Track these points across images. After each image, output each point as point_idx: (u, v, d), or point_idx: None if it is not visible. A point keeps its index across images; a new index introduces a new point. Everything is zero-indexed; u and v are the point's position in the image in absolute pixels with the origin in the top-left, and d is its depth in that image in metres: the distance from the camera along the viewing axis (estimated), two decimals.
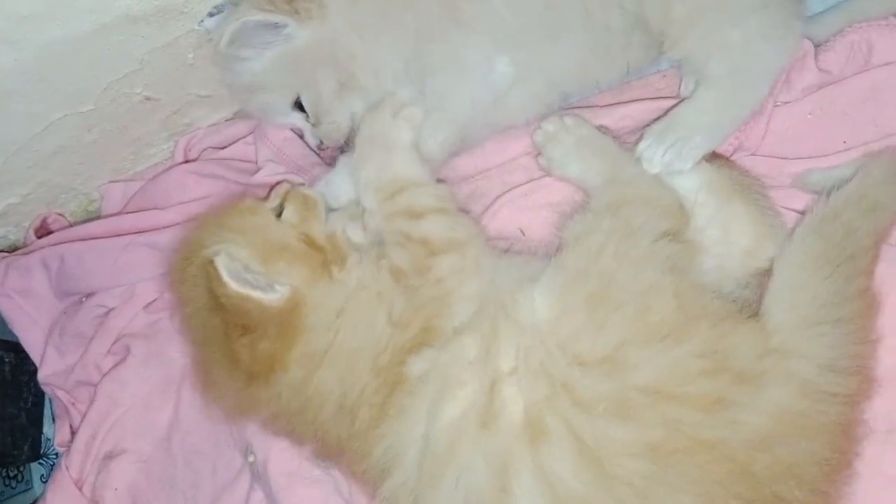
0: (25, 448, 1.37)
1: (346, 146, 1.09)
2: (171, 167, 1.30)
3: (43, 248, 1.29)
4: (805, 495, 0.73)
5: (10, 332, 1.32)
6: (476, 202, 1.09)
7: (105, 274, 1.24)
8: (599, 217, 0.88)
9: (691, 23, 0.93)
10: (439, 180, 0.99)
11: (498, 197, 1.08)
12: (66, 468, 1.20)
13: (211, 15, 1.06)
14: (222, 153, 1.28)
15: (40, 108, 1.11)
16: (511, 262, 0.93)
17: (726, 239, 0.91)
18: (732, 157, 1.00)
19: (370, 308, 0.88)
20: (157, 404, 1.22)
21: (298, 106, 1.07)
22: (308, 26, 0.99)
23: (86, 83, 1.09)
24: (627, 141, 1.02)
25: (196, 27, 1.07)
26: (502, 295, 0.86)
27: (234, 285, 0.83)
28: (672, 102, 1.02)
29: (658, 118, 0.98)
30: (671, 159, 0.92)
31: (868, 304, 0.82)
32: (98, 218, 1.32)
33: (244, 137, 1.28)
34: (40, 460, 1.42)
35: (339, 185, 1.02)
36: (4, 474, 1.39)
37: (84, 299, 1.27)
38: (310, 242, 0.91)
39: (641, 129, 1.03)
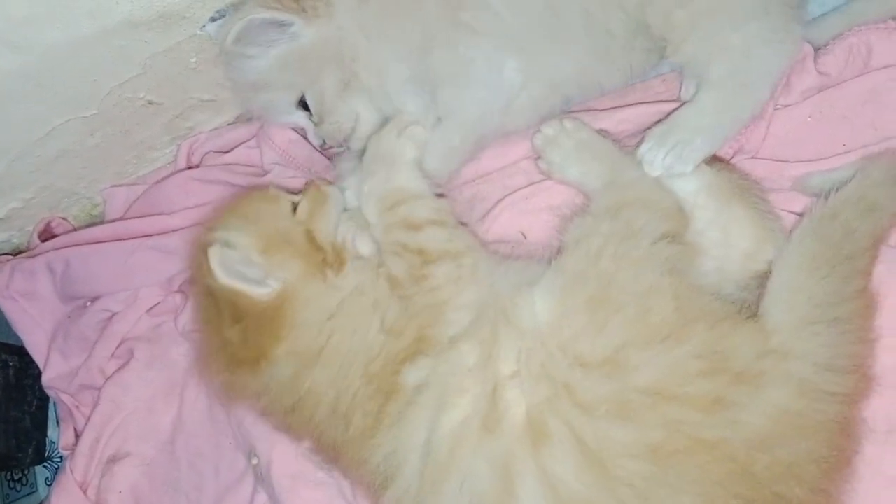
0: (30, 451, 1.38)
1: (347, 146, 1.10)
2: (173, 173, 1.30)
3: (48, 251, 1.29)
4: (805, 494, 0.73)
5: (15, 336, 1.33)
6: (477, 206, 1.09)
7: (111, 278, 1.24)
8: (599, 220, 0.88)
9: (692, 27, 0.93)
10: (439, 195, 0.99)
11: (499, 201, 1.08)
12: (71, 471, 1.20)
13: (213, 20, 1.06)
14: (225, 158, 1.28)
15: (43, 113, 1.11)
16: (511, 265, 0.93)
17: (726, 242, 0.91)
18: (732, 160, 1.00)
19: (365, 314, 0.89)
20: (160, 408, 1.22)
21: (303, 105, 1.07)
22: (314, 25, 0.99)
23: (88, 87, 1.10)
24: (627, 144, 1.02)
25: (198, 32, 1.08)
26: (502, 299, 0.87)
27: (223, 277, 0.86)
28: (672, 106, 1.03)
29: (658, 121, 0.99)
30: (672, 162, 0.92)
31: (866, 304, 0.82)
32: (103, 223, 1.33)
33: (247, 141, 1.28)
34: (45, 463, 1.42)
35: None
36: (9, 477, 1.40)
37: (89, 304, 1.28)
38: (311, 240, 0.92)
39: (641, 133, 1.03)
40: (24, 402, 1.37)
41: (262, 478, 1.09)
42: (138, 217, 1.28)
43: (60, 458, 1.37)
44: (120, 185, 1.34)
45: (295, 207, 0.96)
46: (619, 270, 0.82)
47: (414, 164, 0.98)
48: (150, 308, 1.25)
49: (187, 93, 1.21)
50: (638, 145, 0.96)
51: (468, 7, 0.96)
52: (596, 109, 1.09)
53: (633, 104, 1.08)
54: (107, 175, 1.32)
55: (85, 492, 1.20)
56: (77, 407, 1.27)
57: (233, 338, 0.89)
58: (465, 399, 0.81)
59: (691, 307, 0.80)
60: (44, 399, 1.40)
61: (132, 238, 1.24)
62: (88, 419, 1.23)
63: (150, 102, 1.18)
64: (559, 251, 0.90)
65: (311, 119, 1.09)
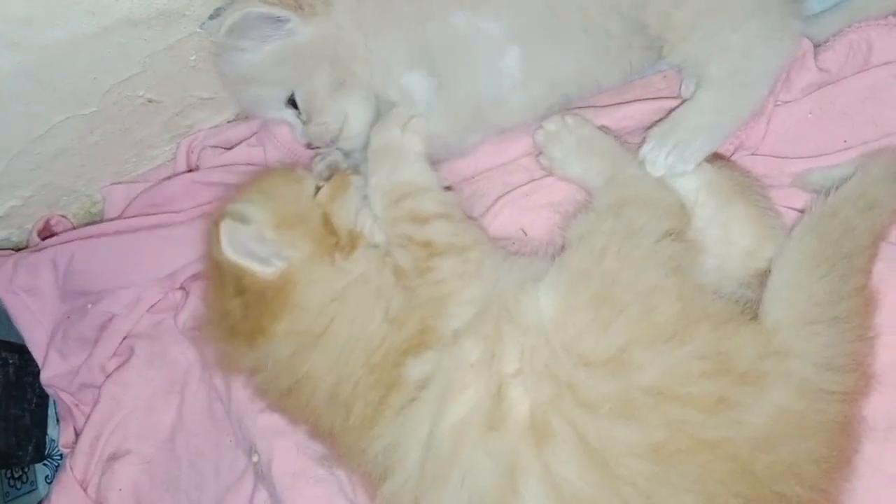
0: (30, 449, 1.38)
1: (334, 147, 1.09)
2: (175, 176, 1.30)
3: (54, 245, 1.29)
4: (806, 493, 0.73)
5: (15, 334, 1.33)
6: (477, 203, 1.09)
7: (114, 270, 1.24)
8: (602, 218, 0.88)
9: (690, 27, 0.93)
10: (447, 188, 1.00)
11: (499, 197, 1.08)
12: (71, 469, 1.20)
13: (212, 18, 1.06)
14: (225, 158, 1.28)
15: (42, 111, 1.11)
16: (513, 263, 0.93)
17: (726, 239, 0.91)
18: (733, 157, 1.00)
19: (369, 302, 0.89)
20: (160, 406, 1.22)
21: (292, 102, 1.07)
22: (311, 23, 0.99)
23: (87, 86, 1.10)
24: (629, 141, 1.02)
25: (198, 30, 1.07)
26: (505, 297, 0.87)
27: (229, 252, 0.87)
28: (673, 103, 1.03)
29: (659, 119, 0.99)
30: (674, 161, 0.92)
31: (865, 302, 0.82)
32: (102, 220, 1.33)
33: (247, 139, 1.28)
34: (45, 461, 1.42)
35: None
36: (9, 475, 1.40)
37: (90, 306, 1.27)
38: (327, 224, 0.92)
39: (643, 129, 1.03)
40: (24, 400, 1.37)
41: (262, 475, 1.09)
42: (142, 215, 1.27)
43: (60, 455, 1.37)
44: (119, 183, 1.34)
45: (317, 191, 0.96)
46: (623, 269, 0.82)
47: (421, 157, 0.98)
48: (151, 306, 1.25)
49: (187, 91, 1.21)
50: (640, 145, 0.96)
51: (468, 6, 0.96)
52: (597, 106, 1.09)
53: (634, 101, 1.08)
54: (106, 173, 1.32)
55: (85, 490, 1.20)
56: (77, 405, 1.27)
57: (233, 310, 0.90)
58: (467, 395, 0.81)
59: (695, 307, 0.80)
60: (43, 397, 1.40)
61: (136, 231, 1.25)
62: (89, 417, 1.23)
63: (150, 100, 1.18)
64: (562, 248, 0.90)
65: (299, 117, 1.08)
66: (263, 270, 0.88)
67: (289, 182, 0.97)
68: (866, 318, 0.82)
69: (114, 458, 1.21)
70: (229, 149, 1.29)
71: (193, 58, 1.13)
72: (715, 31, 0.93)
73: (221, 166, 1.27)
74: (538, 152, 1.05)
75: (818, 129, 1.00)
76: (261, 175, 1.00)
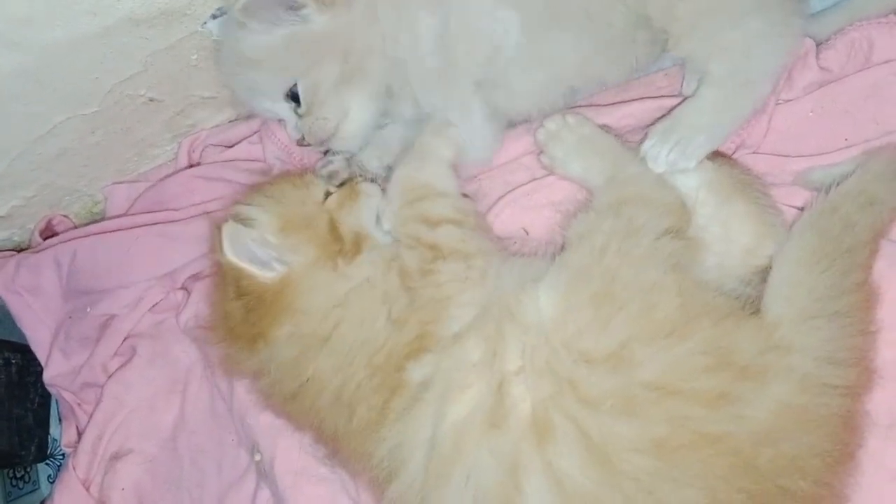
0: (32, 449, 1.38)
1: (327, 146, 1.08)
2: (176, 171, 1.30)
3: (55, 245, 1.29)
4: (809, 487, 0.74)
5: (17, 334, 1.33)
6: (479, 202, 1.09)
7: (116, 268, 1.24)
8: (602, 216, 0.88)
9: (693, 22, 0.93)
10: (465, 195, 1.00)
11: (500, 197, 1.08)
12: (74, 469, 1.21)
13: (214, 17, 1.06)
14: (227, 153, 1.28)
15: (43, 111, 1.11)
16: (514, 262, 0.93)
17: (727, 237, 0.91)
18: (734, 155, 1.00)
19: (374, 305, 0.89)
20: (162, 405, 1.23)
21: (290, 96, 1.03)
22: (328, 13, 0.97)
23: (89, 85, 1.10)
24: (630, 140, 1.02)
25: (199, 29, 1.08)
26: (506, 296, 0.87)
27: (230, 255, 0.88)
28: (675, 101, 1.03)
29: (661, 117, 0.99)
30: (675, 158, 0.93)
31: (865, 297, 0.83)
32: (104, 220, 1.33)
33: (248, 138, 1.28)
34: (47, 461, 1.43)
35: None
36: (12, 475, 1.40)
37: (90, 309, 1.27)
38: (333, 230, 0.93)
39: (644, 128, 1.03)
40: (27, 400, 1.38)
41: (264, 474, 1.09)
42: (143, 213, 1.28)
43: (63, 455, 1.37)
44: (121, 183, 1.34)
45: (327, 197, 0.97)
46: (623, 267, 0.82)
47: (446, 163, 0.99)
48: (153, 305, 1.25)
49: (188, 90, 1.21)
50: (641, 142, 0.96)
51: None
52: (598, 105, 1.09)
53: (635, 99, 1.08)
54: (108, 173, 1.32)
55: (88, 489, 1.20)
56: (79, 404, 1.27)
57: (233, 312, 0.91)
58: (469, 394, 0.81)
59: (695, 303, 0.80)
60: (46, 396, 1.40)
61: (137, 229, 1.25)
62: (91, 416, 1.23)
63: (151, 100, 1.18)
64: (562, 247, 0.90)
65: (295, 111, 1.05)
66: (263, 274, 0.89)
67: (297, 187, 0.98)
68: (867, 313, 0.82)
69: (116, 457, 1.21)
70: (230, 147, 1.29)
71: (195, 57, 1.13)
72: (716, 28, 0.93)
73: (222, 162, 1.27)
74: (539, 151, 1.05)
75: (819, 128, 1.00)
76: (270, 179, 1.01)
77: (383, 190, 1.02)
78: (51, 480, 1.42)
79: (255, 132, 1.27)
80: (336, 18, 0.98)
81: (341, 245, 0.92)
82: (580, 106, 1.09)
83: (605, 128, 1.03)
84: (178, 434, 1.21)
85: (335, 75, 1.00)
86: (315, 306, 0.89)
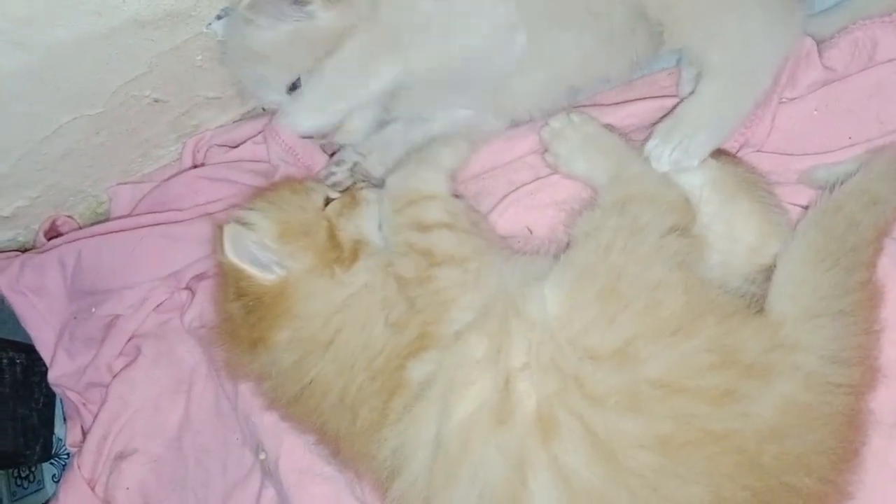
0: (37, 448, 1.38)
1: (329, 140, 1.09)
2: (181, 172, 1.30)
3: (60, 245, 1.29)
4: (814, 484, 0.74)
5: (22, 334, 1.33)
6: (483, 201, 1.09)
7: (121, 268, 1.24)
8: (607, 214, 0.88)
9: (690, 13, 0.93)
10: (456, 196, 1.00)
11: (504, 196, 1.08)
12: (79, 468, 1.21)
13: (219, 18, 1.06)
14: (232, 154, 1.28)
15: (48, 111, 1.12)
16: (519, 260, 0.94)
17: (731, 235, 0.91)
18: (738, 154, 1.00)
19: (373, 311, 0.90)
20: (166, 405, 1.23)
21: (294, 88, 1.04)
22: (333, 10, 0.97)
23: (94, 86, 1.10)
24: (633, 139, 1.02)
25: (204, 30, 1.08)
26: (511, 292, 0.87)
27: (230, 254, 0.89)
28: (677, 101, 1.03)
29: (664, 116, 0.99)
30: (678, 157, 0.93)
31: (869, 296, 0.82)
32: (109, 220, 1.33)
33: (252, 138, 1.28)
34: (52, 460, 1.43)
35: None
36: (16, 474, 1.41)
37: (94, 309, 1.28)
38: (332, 237, 0.93)
39: (647, 127, 1.03)
40: (32, 400, 1.38)
41: (269, 473, 1.09)
42: (148, 213, 1.28)
43: (67, 454, 1.37)
44: (126, 183, 1.35)
45: (328, 203, 0.98)
46: (629, 264, 0.82)
47: (442, 168, 1.00)
48: (157, 305, 1.25)
49: (193, 91, 1.21)
50: (644, 141, 0.96)
51: None
52: (602, 104, 1.09)
53: (638, 99, 1.09)
54: (112, 173, 1.33)
55: (93, 489, 1.20)
56: (84, 404, 1.28)
57: (233, 313, 0.92)
58: (473, 391, 0.81)
59: (701, 301, 0.80)
60: (51, 396, 1.41)
61: (142, 229, 1.25)
62: (96, 416, 1.23)
63: (156, 100, 1.19)
64: (568, 245, 0.91)
65: None
66: (261, 276, 0.89)
67: (298, 193, 0.98)
68: (871, 311, 0.82)
69: (121, 457, 1.21)
70: (235, 148, 1.29)
71: (200, 58, 1.13)
72: (713, 17, 0.93)
73: (227, 162, 1.28)
74: (544, 149, 1.05)
75: (823, 127, 1.00)
76: (273, 187, 1.02)
77: None
78: (55, 480, 1.42)
79: (260, 132, 1.27)
80: (340, 15, 0.98)
81: (339, 252, 0.93)
82: (584, 105, 1.10)
83: (608, 127, 1.03)
84: (183, 434, 1.21)
85: None
86: (314, 312, 0.90)
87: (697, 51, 0.96)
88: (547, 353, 0.81)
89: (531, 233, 1.06)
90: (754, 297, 0.84)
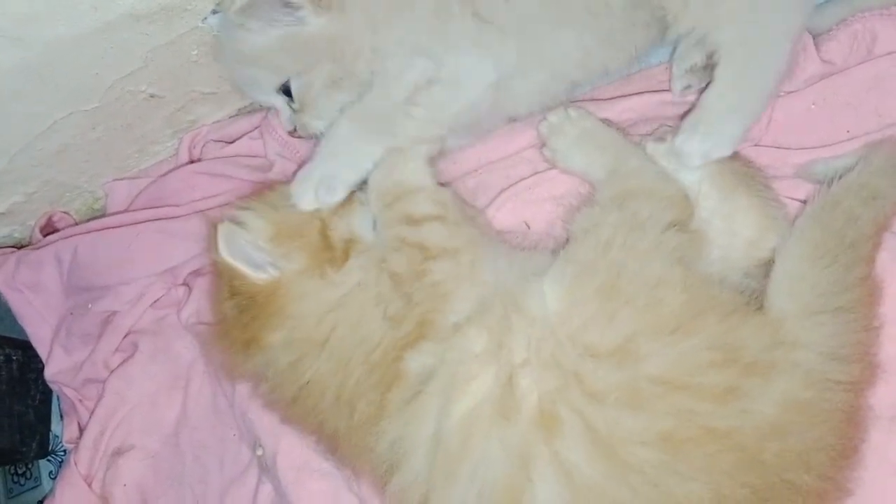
0: (34, 445, 1.38)
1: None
2: (178, 167, 1.30)
3: (56, 241, 1.29)
4: (814, 480, 0.74)
5: (18, 330, 1.33)
6: (481, 195, 1.09)
7: (117, 264, 1.24)
8: (606, 210, 0.88)
9: None
10: (442, 184, 1.00)
11: (502, 191, 1.08)
12: (75, 464, 1.21)
13: (214, 12, 1.06)
14: (227, 150, 1.28)
15: (44, 107, 1.11)
16: (517, 255, 0.94)
17: (729, 230, 0.91)
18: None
19: (368, 308, 0.90)
20: (163, 401, 1.23)
21: (284, 90, 1.06)
22: (323, 16, 0.97)
23: (90, 81, 1.09)
24: (630, 133, 1.02)
25: (200, 24, 1.07)
26: (512, 288, 0.87)
27: (224, 253, 0.89)
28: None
29: (656, 110, 0.99)
30: (710, 148, 0.91)
31: (868, 292, 0.82)
32: (105, 216, 1.33)
33: (249, 133, 1.28)
34: (49, 457, 1.43)
35: None
36: (13, 471, 1.40)
37: (91, 305, 1.27)
38: (324, 237, 0.93)
39: (644, 122, 1.04)
40: (28, 396, 1.38)
41: (267, 469, 1.09)
42: (144, 209, 1.28)
43: (64, 451, 1.37)
44: (122, 179, 1.34)
45: None
46: (629, 260, 0.82)
47: (422, 158, 0.98)
48: (154, 301, 1.25)
49: (189, 86, 1.21)
50: (673, 138, 0.94)
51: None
52: (599, 99, 1.10)
53: (635, 93, 1.09)
54: (108, 169, 1.32)
55: (90, 485, 1.20)
56: (80, 400, 1.27)
57: (227, 312, 0.92)
58: (475, 385, 0.81)
59: (701, 299, 0.80)
60: (47, 393, 1.40)
61: (138, 224, 1.25)
62: (93, 412, 1.23)
63: (152, 96, 1.18)
64: (566, 241, 0.90)
65: (289, 104, 1.08)
66: (254, 275, 0.89)
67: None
68: (870, 307, 0.82)
69: (118, 453, 1.21)
70: (231, 143, 1.29)
71: (195, 53, 1.13)
72: None
73: (224, 158, 1.28)
74: (541, 144, 1.05)
75: (821, 120, 1.00)
76: (270, 184, 1.02)
77: None
78: (52, 477, 1.42)
79: (256, 128, 1.27)
80: (330, 23, 0.98)
81: (331, 252, 0.92)
82: (581, 100, 1.09)
83: (606, 122, 1.03)
84: (180, 430, 1.21)
85: (327, 77, 1.02)
86: (307, 312, 0.90)
87: (708, 32, 0.94)
88: (547, 350, 0.81)
89: (529, 227, 1.06)
90: (753, 293, 0.84)
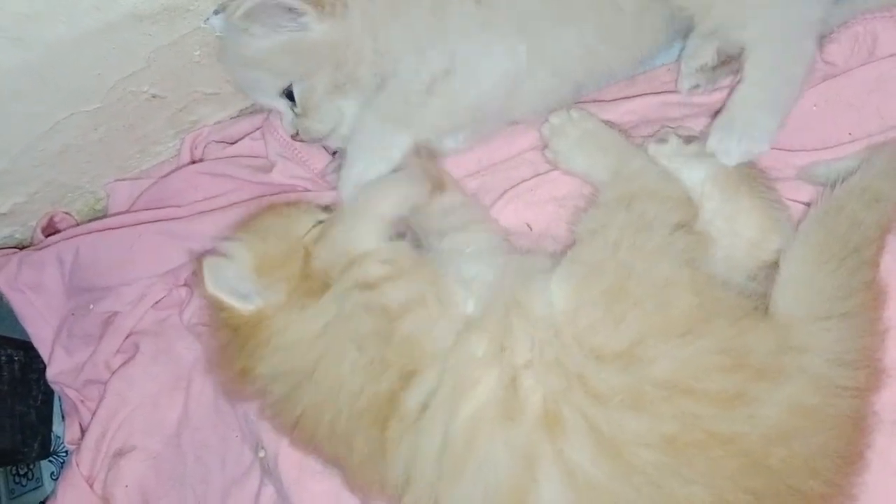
0: (35, 446, 1.38)
1: (322, 144, 1.12)
2: (180, 168, 1.30)
3: (58, 242, 1.29)
4: (819, 486, 0.74)
5: (20, 331, 1.33)
6: (482, 197, 1.09)
7: (119, 265, 1.24)
8: (612, 211, 0.88)
9: None
10: (395, 236, 0.97)
11: (504, 192, 1.08)
12: (77, 465, 1.20)
13: (217, 13, 1.06)
14: (229, 151, 1.28)
15: (46, 107, 1.11)
16: (520, 258, 0.93)
17: (732, 231, 0.91)
18: None
19: (345, 343, 0.88)
20: (165, 402, 1.23)
21: (287, 94, 1.07)
22: (326, 22, 0.98)
23: (92, 82, 1.09)
24: (633, 135, 1.02)
25: (202, 25, 1.08)
26: (514, 288, 0.86)
27: (210, 286, 0.89)
28: (678, 97, 1.03)
29: (658, 112, 0.98)
30: (747, 146, 0.91)
31: (874, 296, 0.82)
32: (106, 217, 1.33)
33: (251, 134, 1.28)
34: (50, 458, 1.43)
35: None
36: (14, 472, 1.40)
37: (92, 306, 1.27)
38: (306, 266, 0.92)
39: (646, 124, 1.04)
40: (30, 397, 1.38)
41: (269, 470, 1.09)
42: (146, 210, 1.28)
43: (66, 452, 1.37)
44: (123, 180, 1.34)
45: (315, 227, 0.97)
46: (637, 262, 0.82)
47: (375, 217, 0.95)
48: (156, 302, 1.25)
49: (191, 86, 1.21)
50: (706, 140, 0.94)
51: None
52: (602, 101, 1.09)
53: (638, 95, 1.08)
54: (110, 169, 1.32)
55: (91, 486, 1.20)
56: (82, 401, 1.27)
57: (220, 341, 0.93)
58: (479, 389, 0.81)
59: (711, 302, 0.80)
60: (49, 393, 1.40)
61: (140, 225, 1.25)
62: (94, 413, 1.23)
63: (154, 96, 1.18)
64: (570, 243, 0.90)
65: (291, 108, 1.08)
66: (240, 306, 0.90)
67: (284, 219, 0.98)
68: (876, 311, 0.82)
69: (120, 454, 1.21)
70: (233, 143, 1.29)
71: (198, 53, 1.13)
72: None
73: (225, 158, 1.28)
74: (543, 146, 1.04)
75: (823, 122, 0.99)
76: (261, 212, 1.02)
77: None
78: (54, 477, 1.42)
79: (258, 128, 1.27)
80: (333, 29, 0.99)
81: (310, 283, 0.92)
82: (583, 101, 1.09)
83: (608, 123, 1.02)
84: (182, 431, 1.21)
85: (329, 82, 1.03)
86: (291, 344, 0.90)
87: (732, 28, 0.94)
88: (551, 352, 0.80)
89: (531, 229, 1.06)
90: (756, 295, 0.84)
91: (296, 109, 1.07)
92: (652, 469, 0.73)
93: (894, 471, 0.84)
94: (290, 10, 0.96)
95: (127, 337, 1.25)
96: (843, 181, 0.87)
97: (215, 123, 1.32)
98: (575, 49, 1.00)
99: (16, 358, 1.36)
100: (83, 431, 1.25)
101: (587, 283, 0.83)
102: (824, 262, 0.81)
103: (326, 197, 1.13)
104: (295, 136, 1.12)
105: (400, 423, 0.83)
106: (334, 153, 1.18)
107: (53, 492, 1.23)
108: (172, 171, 1.30)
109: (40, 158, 1.20)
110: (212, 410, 1.19)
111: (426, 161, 1.04)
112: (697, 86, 1.05)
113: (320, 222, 0.97)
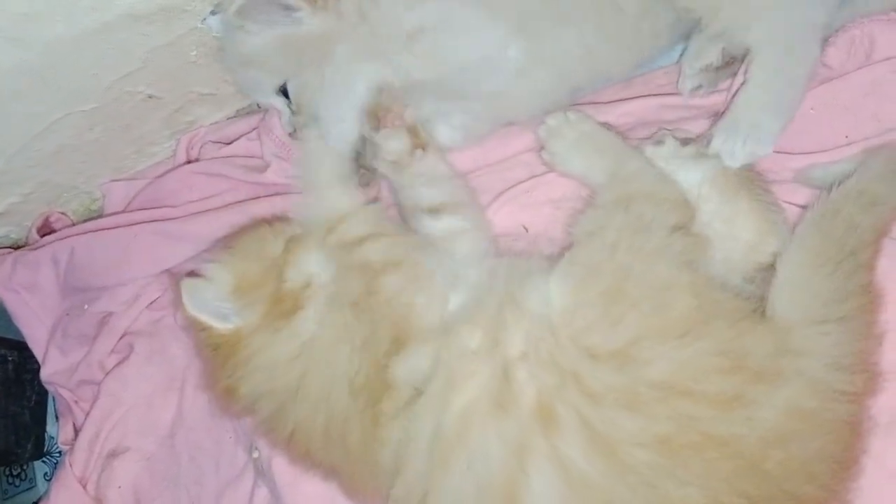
0: (29, 446, 1.38)
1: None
2: (175, 168, 1.30)
3: (53, 242, 1.29)
4: (815, 490, 0.73)
5: (14, 331, 1.33)
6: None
7: (114, 265, 1.24)
8: (610, 213, 0.88)
9: None
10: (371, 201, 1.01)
11: (500, 194, 1.08)
12: (70, 466, 1.20)
13: (213, 13, 1.06)
14: (225, 151, 1.28)
15: (42, 107, 1.11)
16: (514, 259, 0.93)
17: (730, 233, 0.91)
18: None
19: (334, 346, 0.89)
20: (159, 402, 1.22)
21: (283, 91, 1.07)
22: (319, 17, 0.98)
23: (88, 82, 1.09)
24: (630, 137, 1.02)
25: (199, 25, 1.08)
26: (508, 286, 0.87)
27: (189, 307, 0.90)
28: (675, 99, 1.03)
29: (656, 114, 0.98)
30: (752, 148, 0.91)
31: (870, 299, 0.82)
32: (102, 217, 1.32)
33: (247, 134, 1.28)
34: (44, 458, 1.43)
35: None
36: (8, 473, 1.40)
37: (87, 306, 1.27)
38: (279, 287, 0.92)
39: (643, 126, 1.03)
40: (24, 397, 1.38)
41: (262, 472, 1.08)
42: (141, 210, 1.27)
43: (59, 452, 1.37)
44: (119, 180, 1.34)
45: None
46: (635, 263, 0.82)
47: (345, 181, 0.99)
48: (151, 303, 1.25)
49: (187, 87, 1.21)
50: (709, 142, 0.94)
51: None
52: (599, 103, 1.09)
53: (635, 97, 1.08)
54: (106, 170, 1.32)
55: (84, 487, 1.20)
56: (76, 402, 1.27)
57: (205, 359, 0.94)
58: (474, 381, 0.81)
59: (710, 303, 0.80)
60: (43, 394, 1.40)
61: (135, 225, 1.25)
62: (88, 414, 1.23)
63: (150, 96, 1.18)
64: (567, 245, 0.90)
65: (288, 106, 1.09)
66: (218, 326, 0.91)
67: (263, 240, 0.98)
68: (873, 315, 0.81)
69: (113, 454, 1.21)
70: (229, 144, 1.29)
71: (194, 53, 1.13)
72: None
73: (220, 158, 1.28)
74: (540, 147, 1.04)
75: (820, 125, 0.99)
76: (242, 232, 1.03)
77: None
78: (47, 478, 1.42)
79: (254, 129, 1.27)
80: (326, 25, 0.99)
81: (283, 305, 0.92)
82: (580, 103, 1.09)
83: (605, 125, 1.02)
84: (176, 431, 1.21)
85: (321, 79, 1.02)
86: (271, 364, 0.91)
87: (737, 30, 0.95)
88: (545, 349, 0.80)
89: (527, 231, 1.05)
90: (754, 298, 0.84)
91: (291, 107, 1.07)
92: (646, 469, 0.73)
93: (889, 474, 0.84)
94: (285, 6, 0.97)
95: (121, 337, 1.25)
96: (839, 184, 0.87)
97: (211, 124, 1.32)
98: (575, 50, 1.00)
99: (10, 358, 1.36)
100: (77, 432, 1.25)
101: (585, 285, 0.83)
102: (820, 265, 0.81)
103: None
104: (293, 134, 1.12)
105: (392, 402, 0.84)
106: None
107: (46, 492, 1.23)
108: (167, 172, 1.30)
109: (36, 158, 1.19)
110: (206, 411, 1.19)
111: (403, 110, 1.03)
112: (700, 86, 1.05)
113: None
